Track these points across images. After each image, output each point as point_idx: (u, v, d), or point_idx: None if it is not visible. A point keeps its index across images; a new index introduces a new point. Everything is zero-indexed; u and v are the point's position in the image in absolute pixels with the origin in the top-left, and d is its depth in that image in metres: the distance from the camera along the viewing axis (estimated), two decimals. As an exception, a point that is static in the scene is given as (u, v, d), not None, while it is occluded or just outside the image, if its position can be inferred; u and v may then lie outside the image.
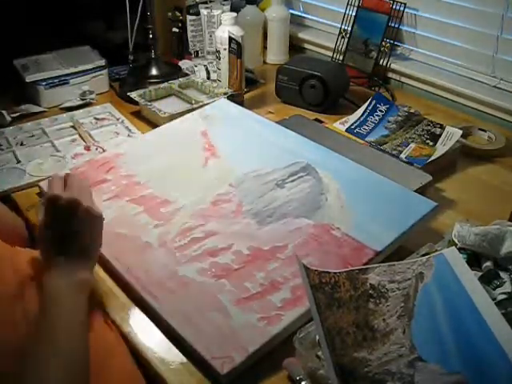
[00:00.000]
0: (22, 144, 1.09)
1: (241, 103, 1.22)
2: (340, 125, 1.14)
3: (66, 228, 0.65)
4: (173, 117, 1.11)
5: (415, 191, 0.85)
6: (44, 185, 0.94)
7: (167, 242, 0.80)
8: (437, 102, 1.28)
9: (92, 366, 0.59)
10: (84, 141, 1.11)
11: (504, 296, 0.68)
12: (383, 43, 1.33)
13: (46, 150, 1.08)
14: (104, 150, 1.05)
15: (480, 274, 0.71)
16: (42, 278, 0.63)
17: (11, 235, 0.78)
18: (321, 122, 1.18)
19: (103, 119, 1.19)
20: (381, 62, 1.34)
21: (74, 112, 1.21)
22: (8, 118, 1.17)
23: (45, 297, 0.62)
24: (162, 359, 0.66)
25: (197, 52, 1.47)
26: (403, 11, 1.30)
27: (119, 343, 0.68)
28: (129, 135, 1.13)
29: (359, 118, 1.14)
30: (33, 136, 1.12)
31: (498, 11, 1.15)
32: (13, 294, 0.64)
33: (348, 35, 1.40)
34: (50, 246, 0.65)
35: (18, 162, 1.03)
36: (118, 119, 1.19)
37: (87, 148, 1.07)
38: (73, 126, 1.16)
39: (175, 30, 1.44)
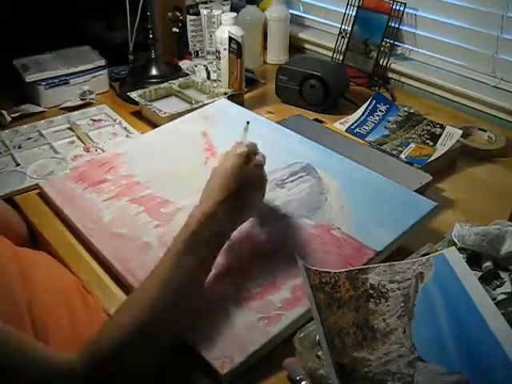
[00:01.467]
0: (19, 147, 1.09)
1: (241, 103, 1.22)
2: (340, 125, 1.14)
3: (244, 184, 0.69)
4: (173, 117, 1.11)
5: (415, 191, 0.85)
6: (44, 184, 0.94)
7: (167, 242, 0.79)
8: (437, 102, 1.28)
9: None
10: (82, 142, 1.11)
11: (504, 296, 0.68)
12: (383, 43, 1.33)
13: (45, 152, 1.08)
14: (103, 151, 1.05)
15: (480, 274, 0.71)
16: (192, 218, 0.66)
17: (12, 234, 0.78)
18: (321, 122, 1.18)
19: (100, 120, 1.19)
20: (381, 62, 1.34)
21: (70, 114, 1.21)
22: (8, 118, 1.17)
23: (190, 234, 0.64)
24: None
25: (197, 52, 1.47)
26: (403, 11, 1.30)
27: None
28: (127, 136, 1.13)
29: (359, 118, 1.14)
30: (30, 139, 1.12)
31: (498, 11, 1.15)
32: (17, 290, 0.64)
33: (348, 35, 1.40)
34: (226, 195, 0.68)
35: (18, 165, 1.03)
36: (114, 120, 1.19)
37: (87, 149, 1.07)
38: (70, 128, 1.16)
39: (175, 30, 1.44)
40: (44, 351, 0.54)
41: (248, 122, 0.80)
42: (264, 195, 0.77)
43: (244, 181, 0.70)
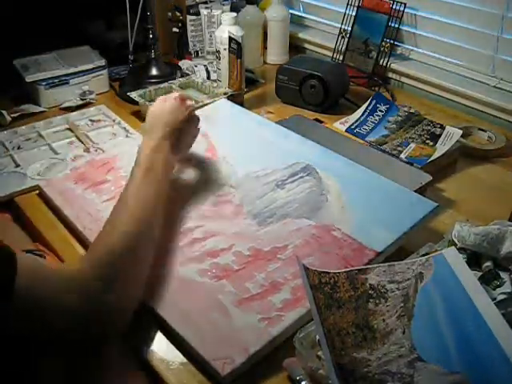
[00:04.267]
0: (18, 148, 1.08)
1: (241, 103, 1.22)
2: (340, 125, 1.14)
3: (181, 122, 0.84)
4: (173, 117, 1.11)
5: (415, 191, 0.85)
6: (43, 184, 0.94)
7: (167, 242, 0.80)
8: (437, 102, 1.28)
9: None
10: (82, 143, 1.11)
11: (504, 296, 0.68)
12: (383, 43, 1.33)
13: (44, 153, 1.08)
14: (103, 152, 1.05)
15: (480, 274, 0.71)
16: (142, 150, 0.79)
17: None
18: (321, 122, 1.18)
19: (98, 121, 1.19)
20: (381, 62, 1.34)
21: (69, 114, 1.21)
22: (8, 118, 1.17)
23: (134, 166, 0.76)
24: (162, 359, 0.66)
25: (197, 52, 1.47)
26: (403, 11, 1.30)
27: None
28: (127, 136, 1.13)
29: (359, 118, 1.14)
30: (29, 139, 1.12)
31: (498, 11, 1.15)
32: None
33: (348, 35, 1.40)
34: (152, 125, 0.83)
35: (18, 165, 1.03)
36: (113, 120, 1.19)
37: (87, 150, 1.07)
38: (69, 129, 1.16)
39: (175, 30, 1.44)
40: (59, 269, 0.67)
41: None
42: (196, 136, 0.91)
43: (181, 119, 0.84)
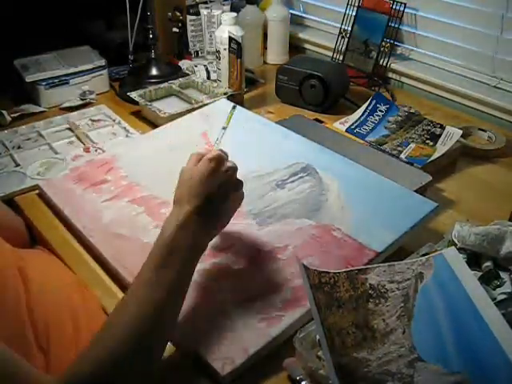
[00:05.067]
0: (18, 147, 1.08)
1: (241, 103, 1.22)
2: (340, 125, 1.14)
3: (218, 190, 0.66)
4: (173, 117, 1.11)
5: (415, 191, 0.85)
6: (43, 184, 0.94)
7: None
8: (437, 102, 1.28)
9: None
10: (82, 142, 1.11)
11: (504, 296, 0.68)
12: (383, 43, 1.33)
13: (44, 152, 1.08)
14: (103, 151, 1.05)
15: (480, 274, 0.71)
16: (166, 224, 0.64)
17: (11, 235, 0.78)
18: (321, 122, 1.18)
19: (99, 121, 1.19)
20: (381, 62, 1.34)
21: (69, 114, 1.21)
22: (8, 118, 1.17)
23: (164, 248, 0.62)
24: (161, 359, 0.66)
25: (197, 52, 1.47)
26: (403, 11, 1.30)
27: None
28: (127, 136, 1.13)
29: (359, 118, 1.14)
30: (29, 139, 1.12)
31: (498, 11, 1.15)
32: (17, 293, 0.64)
33: (348, 35, 1.40)
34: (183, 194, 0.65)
35: (17, 165, 1.03)
36: (113, 120, 1.19)
37: (87, 149, 1.07)
38: (69, 128, 1.16)
39: (175, 30, 1.44)
40: (28, 372, 0.52)
41: (224, 128, 0.78)
42: (241, 203, 0.72)
43: (218, 187, 0.66)
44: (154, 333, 0.59)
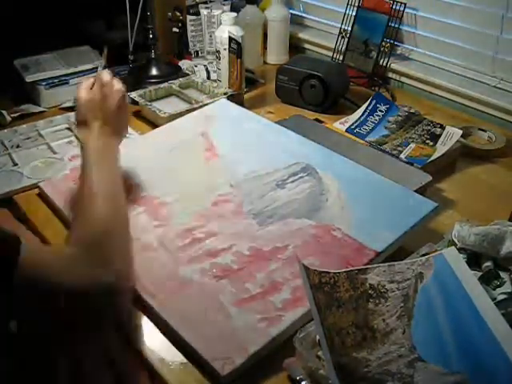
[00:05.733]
0: (18, 146, 1.08)
1: (241, 103, 1.22)
2: (340, 125, 1.14)
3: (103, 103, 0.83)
4: (173, 117, 1.11)
5: (415, 191, 0.85)
6: (43, 184, 0.94)
7: (167, 242, 0.80)
8: (437, 102, 1.28)
9: None
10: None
11: (504, 296, 0.68)
12: (383, 43, 1.33)
13: (42, 152, 1.08)
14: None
15: (480, 274, 0.71)
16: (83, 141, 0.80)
17: None
18: (321, 121, 1.18)
19: (98, 121, 1.19)
20: (381, 62, 1.34)
21: (70, 114, 1.20)
22: (8, 118, 1.17)
23: (86, 157, 0.77)
24: (161, 359, 0.66)
25: (197, 52, 1.47)
26: (403, 11, 1.30)
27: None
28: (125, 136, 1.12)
29: (359, 118, 1.14)
30: (28, 138, 1.12)
31: (498, 11, 1.15)
32: None
33: (348, 35, 1.40)
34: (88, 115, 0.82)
35: (15, 164, 1.03)
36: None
37: (84, 150, 1.07)
38: (68, 128, 1.16)
39: (175, 30, 1.44)
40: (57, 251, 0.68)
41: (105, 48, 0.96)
42: (128, 112, 0.92)
43: (113, 102, 0.83)
44: (117, 211, 0.73)
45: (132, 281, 0.70)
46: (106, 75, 0.85)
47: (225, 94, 1.21)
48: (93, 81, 0.85)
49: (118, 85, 0.85)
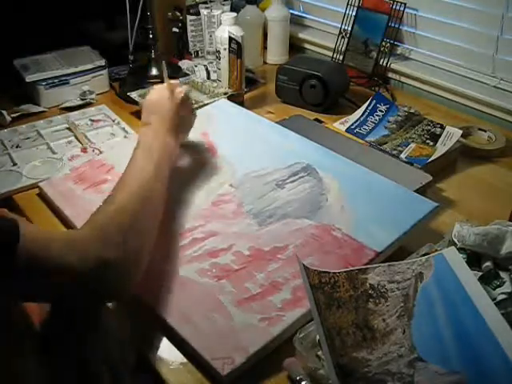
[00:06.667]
0: (17, 146, 1.08)
1: (241, 103, 1.22)
2: (340, 125, 1.14)
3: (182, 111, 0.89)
4: (173, 117, 1.11)
5: (415, 191, 0.85)
6: (44, 184, 0.94)
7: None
8: (437, 102, 1.28)
9: None
10: (80, 142, 1.11)
11: (504, 296, 0.68)
12: (383, 43, 1.33)
13: (42, 152, 1.08)
14: (101, 152, 1.05)
15: (480, 274, 0.71)
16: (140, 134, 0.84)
17: None
18: (321, 121, 1.18)
19: (99, 121, 1.19)
20: (381, 62, 1.34)
21: (69, 114, 1.21)
22: (8, 118, 1.17)
23: (134, 151, 0.80)
24: (162, 359, 0.66)
25: (197, 52, 1.47)
26: (403, 11, 1.30)
27: None
28: (125, 136, 1.13)
29: (359, 118, 1.14)
30: (28, 138, 1.12)
31: (498, 11, 1.15)
32: None
33: (348, 35, 1.40)
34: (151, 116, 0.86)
35: (15, 164, 1.03)
36: (113, 120, 1.19)
37: (84, 150, 1.07)
38: (68, 128, 1.16)
39: (175, 30, 1.44)
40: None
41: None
42: (194, 119, 0.95)
43: (175, 103, 0.88)
44: (145, 208, 0.71)
45: (142, 266, 0.68)
46: (174, 82, 0.93)
47: (225, 94, 1.21)
48: (163, 86, 0.91)
49: (180, 89, 0.91)
